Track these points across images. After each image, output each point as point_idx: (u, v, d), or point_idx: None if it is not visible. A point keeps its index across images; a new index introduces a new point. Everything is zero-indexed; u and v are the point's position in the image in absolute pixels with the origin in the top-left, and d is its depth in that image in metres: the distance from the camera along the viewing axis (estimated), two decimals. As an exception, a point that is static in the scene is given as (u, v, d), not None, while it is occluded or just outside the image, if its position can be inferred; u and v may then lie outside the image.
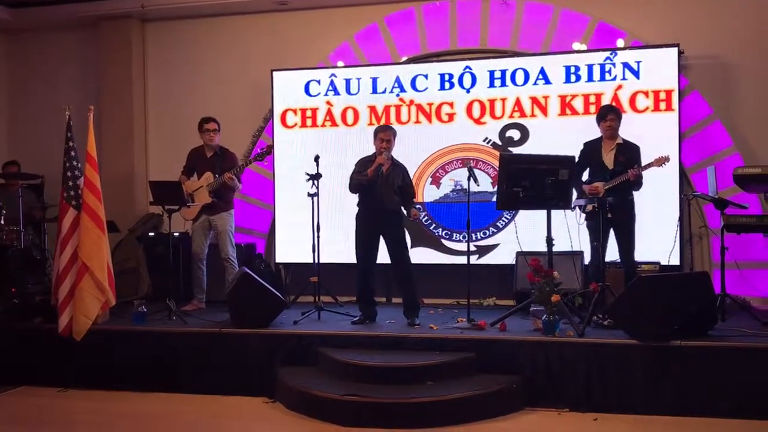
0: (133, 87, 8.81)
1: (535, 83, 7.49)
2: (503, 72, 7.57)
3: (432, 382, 5.30)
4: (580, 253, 6.77)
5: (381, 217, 6.27)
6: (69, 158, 6.47)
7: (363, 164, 6.33)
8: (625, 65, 7.25)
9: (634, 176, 6.02)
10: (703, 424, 4.98)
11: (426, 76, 7.78)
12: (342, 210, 7.53)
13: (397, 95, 7.84)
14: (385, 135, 6.28)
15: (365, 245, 6.32)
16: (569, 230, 6.15)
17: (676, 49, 7.13)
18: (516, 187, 5.87)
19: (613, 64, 7.29)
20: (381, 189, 6.22)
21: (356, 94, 7.94)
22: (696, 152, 7.27)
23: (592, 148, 6.37)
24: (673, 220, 6.96)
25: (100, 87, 8.87)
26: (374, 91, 7.91)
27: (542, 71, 7.47)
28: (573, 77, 7.38)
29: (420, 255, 7.56)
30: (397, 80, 7.85)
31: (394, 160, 6.41)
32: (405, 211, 6.40)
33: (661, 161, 6.04)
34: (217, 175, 7.01)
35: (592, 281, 6.01)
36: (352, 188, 6.37)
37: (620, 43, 7.43)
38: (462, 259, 6.96)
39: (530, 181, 5.86)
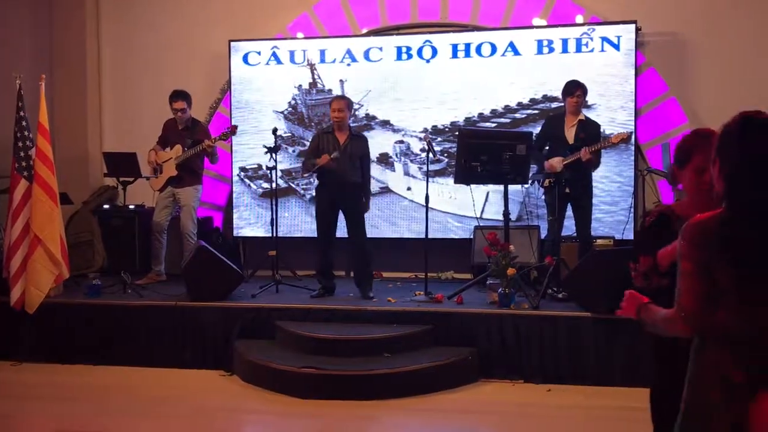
0: (87, 55, 8.56)
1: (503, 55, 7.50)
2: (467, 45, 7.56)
3: (389, 354, 5.34)
4: (537, 227, 6.85)
5: (340, 191, 6.23)
6: (20, 128, 6.32)
7: (316, 142, 6.24)
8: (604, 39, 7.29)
9: (587, 159, 6.05)
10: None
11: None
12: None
13: (348, 65, 7.79)
14: (337, 104, 6.20)
15: (325, 219, 6.31)
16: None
17: (633, 25, 7.19)
18: (474, 161, 5.91)
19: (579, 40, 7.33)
20: (339, 163, 6.17)
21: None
22: (651, 128, 7.36)
23: (554, 122, 6.41)
24: (627, 195, 7.07)
25: (53, 55, 8.61)
26: (322, 60, 7.85)
27: (511, 45, 7.47)
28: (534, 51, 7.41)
29: (380, 230, 7.57)
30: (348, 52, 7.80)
31: (354, 132, 6.37)
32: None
33: (620, 138, 6.07)
34: (185, 149, 6.91)
35: (547, 255, 6.09)
36: (304, 171, 6.33)
37: (579, 19, 7.45)
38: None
39: (488, 156, 5.91)
